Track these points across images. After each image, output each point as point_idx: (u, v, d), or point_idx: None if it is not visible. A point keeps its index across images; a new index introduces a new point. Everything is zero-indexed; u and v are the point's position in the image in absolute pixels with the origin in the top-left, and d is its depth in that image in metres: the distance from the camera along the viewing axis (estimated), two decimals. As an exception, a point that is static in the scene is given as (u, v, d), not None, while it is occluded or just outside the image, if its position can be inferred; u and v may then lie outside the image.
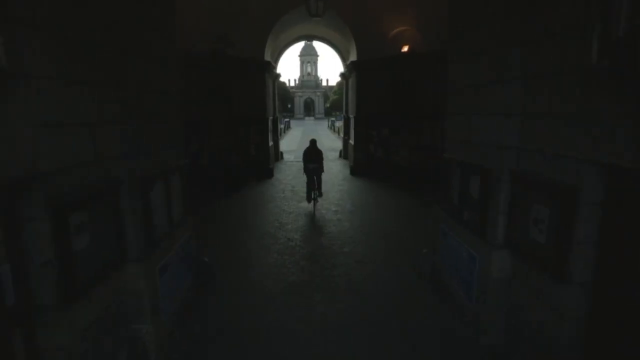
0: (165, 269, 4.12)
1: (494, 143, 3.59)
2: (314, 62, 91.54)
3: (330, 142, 28.40)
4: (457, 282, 4.32)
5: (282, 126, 44.77)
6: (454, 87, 4.49)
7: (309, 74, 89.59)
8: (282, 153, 18.73)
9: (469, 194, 4.05)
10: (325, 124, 58.25)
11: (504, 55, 3.41)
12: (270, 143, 14.28)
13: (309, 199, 9.18)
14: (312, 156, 9.04)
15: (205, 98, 11.85)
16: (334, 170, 14.65)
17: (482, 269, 3.70)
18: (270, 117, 14.80)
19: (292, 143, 27.54)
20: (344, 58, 16.74)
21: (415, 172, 11.52)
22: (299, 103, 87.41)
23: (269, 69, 13.49)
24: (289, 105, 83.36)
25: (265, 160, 13.33)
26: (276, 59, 16.85)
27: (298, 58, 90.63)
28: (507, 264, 3.52)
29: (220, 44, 11.36)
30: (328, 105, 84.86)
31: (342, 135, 30.03)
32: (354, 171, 13.24)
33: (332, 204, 9.66)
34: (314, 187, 9.05)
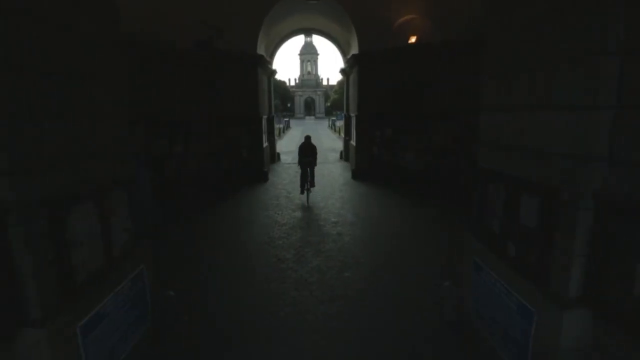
0: (98, 322, 2.98)
1: (567, 150, 2.43)
2: (314, 61, 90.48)
3: (331, 142, 27.22)
4: (499, 340, 3.16)
5: (282, 126, 43.64)
6: (497, 71, 3.32)
7: (309, 73, 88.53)
8: (279, 154, 17.58)
9: (518, 220, 2.89)
10: (325, 123, 57.02)
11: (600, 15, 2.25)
12: (265, 144, 13.14)
13: (302, 190, 9.75)
14: (307, 151, 9.64)
15: (191, 96, 10.72)
16: (334, 173, 13.48)
17: (545, 332, 2.54)
18: (265, 116, 13.66)
19: (290, 143, 26.38)
20: (344, 52, 15.59)
21: (423, 177, 10.36)
22: (299, 102, 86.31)
23: (263, 63, 12.34)
24: (289, 105, 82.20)
25: (259, 163, 12.18)
26: (271, 54, 15.71)
27: (298, 57, 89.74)
28: (585, 329, 2.37)
29: (206, 33, 10.20)
30: (329, 104, 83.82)
31: (342, 135, 28.94)
32: (356, 175, 12.08)
33: (331, 214, 8.51)
34: (307, 179, 9.64)
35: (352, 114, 13.64)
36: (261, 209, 9.08)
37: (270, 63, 15.57)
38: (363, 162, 11.92)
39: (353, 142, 13.12)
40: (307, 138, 9.83)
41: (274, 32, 14.37)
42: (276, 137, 32.48)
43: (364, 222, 7.89)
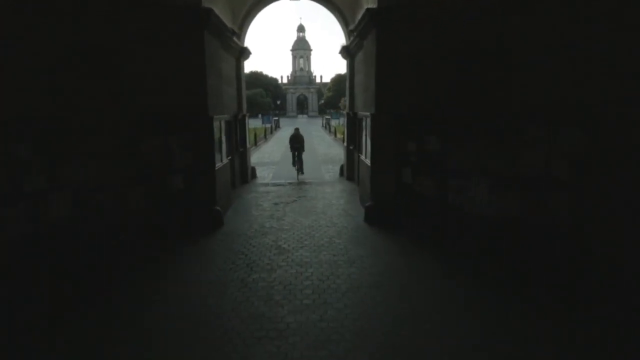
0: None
1: None
2: (307, 57, 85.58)
3: (326, 147, 22.02)
4: None
5: (271, 125, 38.52)
6: None
7: (301, 69, 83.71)
8: (254, 169, 12.55)
9: None
10: (319, 122, 51.91)
11: None
12: (222, 162, 8.11)
13: (293, 163, 12.30)
14: (296, 141, 12.27)
15: (67, 79, 5.72)
16: (333, 207, 8.46)
17: None
18: (225, 116, 8.63)
19: (277, 149, 21.27)
20: (346, 22, 10.61)
21: (507, 233, 5.40)
22: (291, 100, 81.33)
23: (214, 25, 7.32)
24: (278, 102, 77.00)
25: (206, 198, 7.15)
26: (241, 24, 10.67)
27: (290, 53, 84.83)
28: None
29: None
30: (322, 102, 78.91)
31: (339, 136, 23.89)
32: (372, 215, 7.10)
33: (323, 343, 3.55)
34: (297, 161, 12.14)
35: (363, 113, 8.64)
36: (187, 335, 4.04)
37: (240, 37, 10.53)
38: (384, 194, 6.96)
39: (365, 158, 8.13)
40: (297, 130, 12.76)
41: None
42: (261, 141, 27.52)
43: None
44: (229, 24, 8.94)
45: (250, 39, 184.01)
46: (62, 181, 5.64)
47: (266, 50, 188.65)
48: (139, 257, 5.76)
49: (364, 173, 8.04)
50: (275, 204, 8.86)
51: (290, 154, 12.85)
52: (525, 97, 5.29)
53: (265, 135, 29.34)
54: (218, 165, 7.56)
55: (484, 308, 4.18)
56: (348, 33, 10.27)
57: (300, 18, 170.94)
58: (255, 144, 23.33)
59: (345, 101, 13.88)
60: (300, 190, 10.18)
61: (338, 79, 71.37)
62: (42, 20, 5.48)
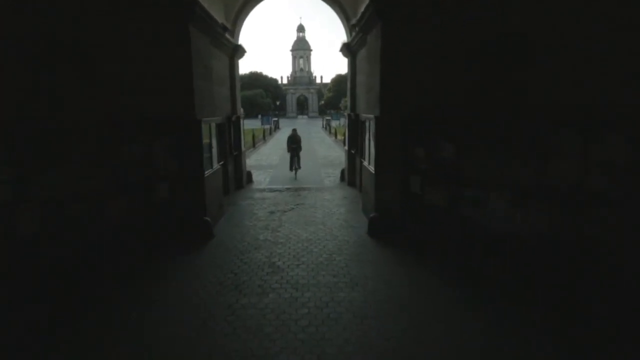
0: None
1: None
2: (307, 57, 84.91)
3: (326, 149, 21.38)
4: None
5: (270, 126, 37.86)
6: None
7: (301, 69, 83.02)
8: (250, 174, 11.92)
9: None
10: (319, 123, 51.23)
11: None
12: (212, 169, 7.49)
13: (291, 169, 12.75)
14: (294, 141, 12.87)
15: (24, 79, 5.15)
16: (334, 216, 7.83)
17: None
18: (216, 119, 8.01)
19: (274, 151, 20.65)
20: (347, 17, 9.99)
21: (535, 254, 4.76)
22: (291, 100, 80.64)
23: (205, 22, 6.70)
24: (278, 103, 76.36)
25: (195, 208, 6.53)
26: (234, 20, 10.04)
27: (290, 53, 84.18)
28: None
29: None
30: (322, 102, 78.23)
31: (339, 138, 23.29)
32: (376, 226, 6.46)
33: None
34: (294, 160, 12.69)
35: (366, 115, 8.01)
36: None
37: (233, 33, 9.92)
38: (389, 205, 6.32)
39: (368, 164, 7.51)
40: (294, 130, 13.48)
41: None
42: (260, 142, 26.77)
43: None
44: (220, 19, 8.33)
45: (251, 40, 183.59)
46: (31, 193, 5.03)
47: (266, 51, 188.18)
48: (112, 275, 5.12)
49: (367, 180, 7.40)
50: (271, 212, 8.23)
51: (288, 157, 13.27)
52: (557, 98, 4.66)
53: (264, 137, 28.72)
54: (208, 171, 6.93)
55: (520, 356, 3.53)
56: (349, 28, 9.66)
57: (300, 18, 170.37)
58: (254, 145, 22.70)
59: (347, 102, 13.31)
60: (298, 197, 9.55)
61: (338, 80, 70.86)
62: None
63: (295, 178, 12.29)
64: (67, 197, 5.32)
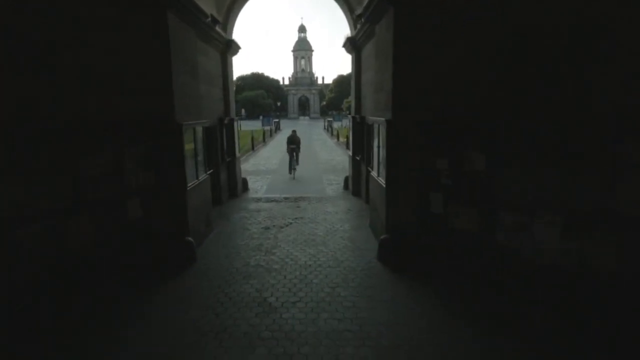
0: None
1: None
2: (309, 58, 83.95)
3: (328, 153, 20.26)
4: None
5: (271, 127, 36.85)
6: None
7: (303, 70, 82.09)
8: (245, 181, 10.94)
9: None
10: (321, 124, 50.17)
11: None
12: (201, 178, 6.51)
13: (290, 171, 12.86)
14: (293, 142, 13.25)
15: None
16: (337, 234, 6.83)
17: None
18: (203, 122, 7.02)
19: (274, 154, 19.63)
20: (350, 9, 9.00)
21: (594, 291, 3.76)
22: (292, 101, 79.65)
23: (189, 11, 5.73)
24: (278, 103, 75.37)
25: (174, 227, 5.54)
26: (226, 13, 9.07)
27: (291, 54, 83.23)
28: None
29: None
30: (324, 103, 77.19)
31: (341, 140, 22.32)
32: (387, 253, 5.44)
33: None
34: (293, 161, 12.86)
35: (374, 119, 7.00)
36: None
37: (224, 27, 8.95)
38: (403, 225, 5.31)
39: (377, 176, 6.49)
40: (293, 132, 14.00)
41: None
42: (259, 145, 25.70)
43: None
44: (210, 10, 7.36)
45: (252, 41, 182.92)
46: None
47: (268, 52, 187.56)
48: (64, 316, 4.14)
49: (376, 194, 6.39)
50: (266, 228, 7.24)
51: (287, 159, 13.63)
52: (623, 102, 3.66)
53: (264, 139, 27.74)
54: (192, 183, 5.94)
55: None
56: (354, 20, 8.67)
57: (302, 18, 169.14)
58: (253, 148, 21.71)
59: (349, 102, 12.30)
60: (297, 209, 8.56)
61: (340, 80, 69.93)
62: None
63: (294, 178, 12.53)
64: (10, 218, 4.34)
